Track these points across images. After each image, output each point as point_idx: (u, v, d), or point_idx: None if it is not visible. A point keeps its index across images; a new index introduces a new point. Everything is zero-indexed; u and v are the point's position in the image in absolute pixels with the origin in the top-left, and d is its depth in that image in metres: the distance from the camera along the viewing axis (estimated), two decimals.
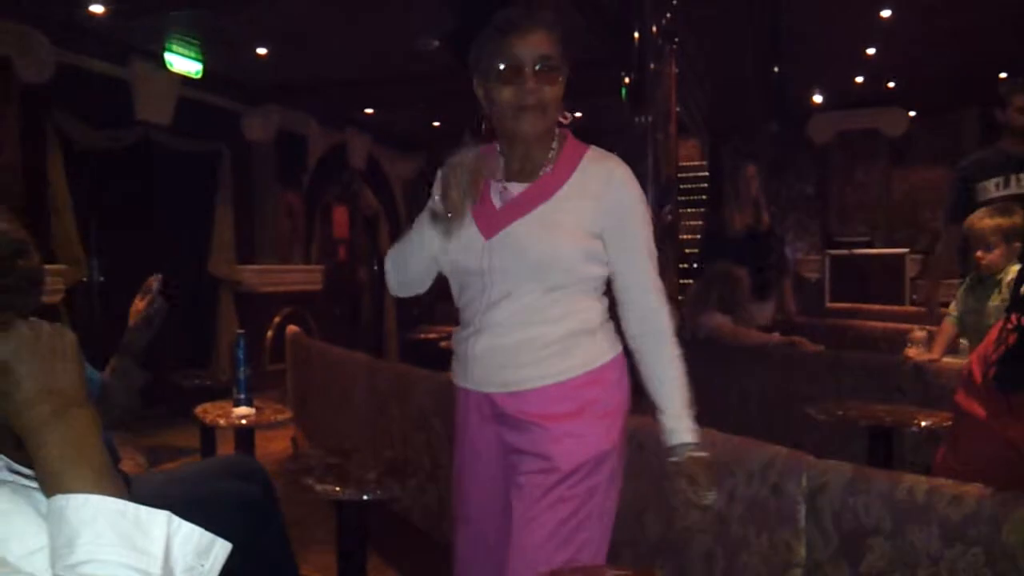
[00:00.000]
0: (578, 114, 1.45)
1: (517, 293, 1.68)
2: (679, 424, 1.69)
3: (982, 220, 3.29)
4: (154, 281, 2.22)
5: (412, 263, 1.80)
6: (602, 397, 1.71)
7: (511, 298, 1.68)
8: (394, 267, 1.85)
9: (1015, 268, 3.17)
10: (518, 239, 1.67)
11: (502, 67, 1.64)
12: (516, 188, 1.73)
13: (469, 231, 1.71)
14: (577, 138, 1.77)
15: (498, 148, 1.77)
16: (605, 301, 1.77)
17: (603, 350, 1.73)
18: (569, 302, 1.70)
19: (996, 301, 3.22)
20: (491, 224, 1.70)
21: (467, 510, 1.82)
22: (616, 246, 1.71)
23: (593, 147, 1.77)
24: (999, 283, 3.24)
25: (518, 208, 1.70)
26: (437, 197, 1.72)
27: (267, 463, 3.03)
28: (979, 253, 3.28)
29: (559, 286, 1.68)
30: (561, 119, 1.74)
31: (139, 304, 2.27)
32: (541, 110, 1.66)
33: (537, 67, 1.63)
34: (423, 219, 1.77)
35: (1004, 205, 3.39)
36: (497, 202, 1.72)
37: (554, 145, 1.74)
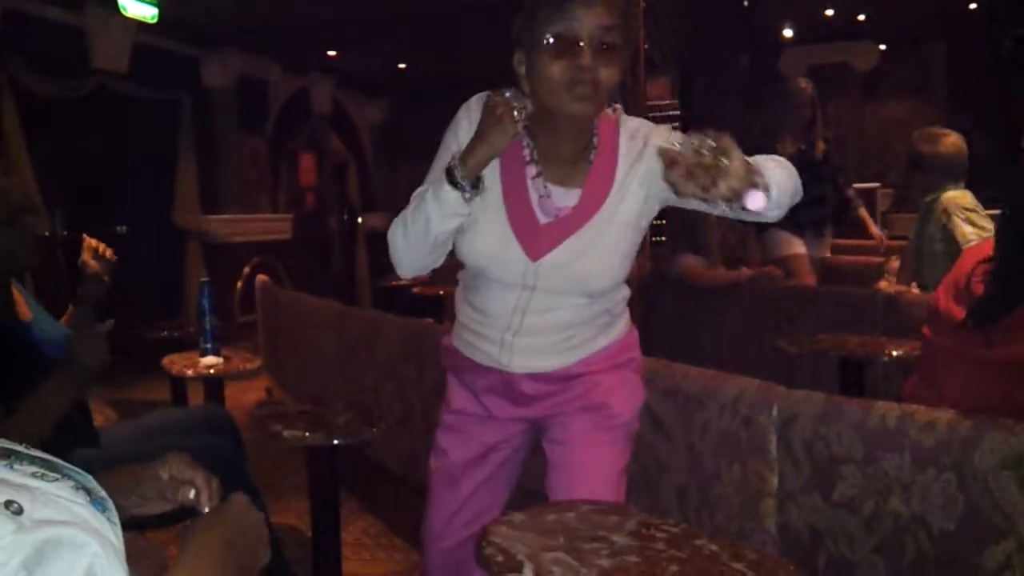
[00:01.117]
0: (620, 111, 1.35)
1: (561, 305, 1.60)
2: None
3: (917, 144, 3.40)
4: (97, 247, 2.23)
5: (426, 247, 1.55)
6: (635, 355, 1.74)
7: (554, 309, 1.60)
8: (405, 249, 1.57)
9: (950, 195, 3.20)
10: (569, 261, 1.54)
11: (555, 38, 1.42)
12: (559, 196, 1.56)
13: (509, 248, 1.54)
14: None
15: (525, 140, 1.57)
16: None
17: (627, 322, 1.74)
18: (613, 296, 1.66)
19: (933, 226, 3.29)
20: (537, 243, 1.54)
21: (445, 472, 1.78)
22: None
23: (621, 117, 1.60)
24: (932, 209, 3.32)
25: (567, 226, 1.54)
26: (457, 159, 1.47)
27: (241, 413, 3.00)
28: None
29: (605, 294, 1.63)
30: (609, 110, 1.57)
31: (90, 262, 2.28)
32: (594, 93, 1.44)
33: (597, 41, 1.42)
34: (439, 196, 1.49)
35: (930, 133, 3.49)
36: (540, 216, 1.55)
37: (595, 136, 1.57)
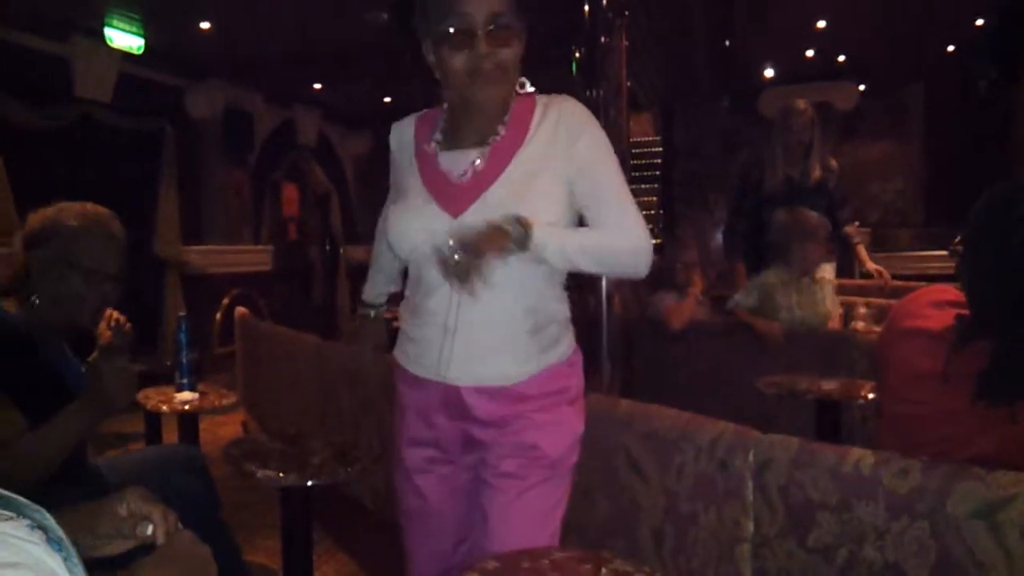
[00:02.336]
0: (530, 88, 1.38)
1: (494, 278, 1.50)
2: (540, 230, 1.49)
3: None
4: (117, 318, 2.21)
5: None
6: (573, 382, 1.66)
7: (489, 286, 1.51)
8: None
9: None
10: (493, 212, 1.49)
11: (451, 30, 1.48)
12: (471, 155, 1.57)
13: (427, 210, 1.56)
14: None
15: (441, 114, 1.65)
16: None
17: (570, 342, 1.66)
18: (551, 288, 1.60)
19: None
20: (455, 200, 1.54)
21: (424, 505, 1.70)
22: (589, 192, 1.57)
23: (539, 94, 1.62)
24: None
25: (482, 180, 1.55)
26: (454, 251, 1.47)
27: (216, 449, 2.96)
28: None
29: (538, 263, 1.54)
30: (518, 89, 1.60)
31: (105, 333, 2.27)
32: (500, 75, 1.51)
33: (490, 27, 1.48)
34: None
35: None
36: (454, 172, 1.57)
37: (508, 111, 1.59)
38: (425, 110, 1.72)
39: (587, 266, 1.58)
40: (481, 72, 1.50)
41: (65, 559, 0.72)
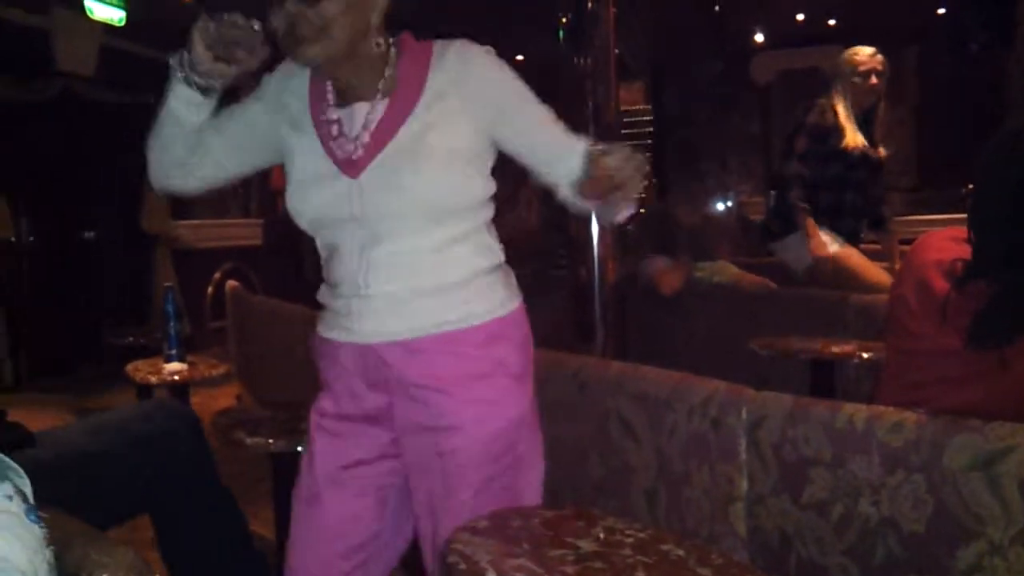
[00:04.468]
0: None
1: (402, 236, 1.45)
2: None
3: None
4: None
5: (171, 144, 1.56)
6: (512, 355, 1.52)
7: (396, 243, 1.45)
8: (157, 150, 1.60)
9: None
10: (394, 170, 1.42)
11: None
12: (364, 109, 1.47)
13: (323, 171, 1.47)
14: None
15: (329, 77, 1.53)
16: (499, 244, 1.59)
17: (506, 296, 1.55)
18: (463, 238, 1.50)
19: None
20: (354, 160, 1.45)
21: (313, 491, 1.58)
22: (511, 132, 1.50)
23: (436, 42, 1.50)
24: None
25: (381, 133, 1.45)
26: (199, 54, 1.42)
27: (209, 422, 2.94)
28: None
29: (450, 217, 1.47)
30: (381, 41, 1.48)
31: None
32: (320, 35, 1.38)
33: None
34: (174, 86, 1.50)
35: None
36: (350, 129, 1.47)
37: (390, 62, 1.48)
38: None
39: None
40: (294, 34, 1.39)
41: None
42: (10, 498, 0.73)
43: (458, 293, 1.49)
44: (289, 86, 1.58)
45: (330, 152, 1.48)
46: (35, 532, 0.72)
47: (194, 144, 1.57)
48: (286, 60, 1.54)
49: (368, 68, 1.48)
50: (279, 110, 1.58)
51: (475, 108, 1.47)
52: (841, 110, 3.86)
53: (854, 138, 3.82)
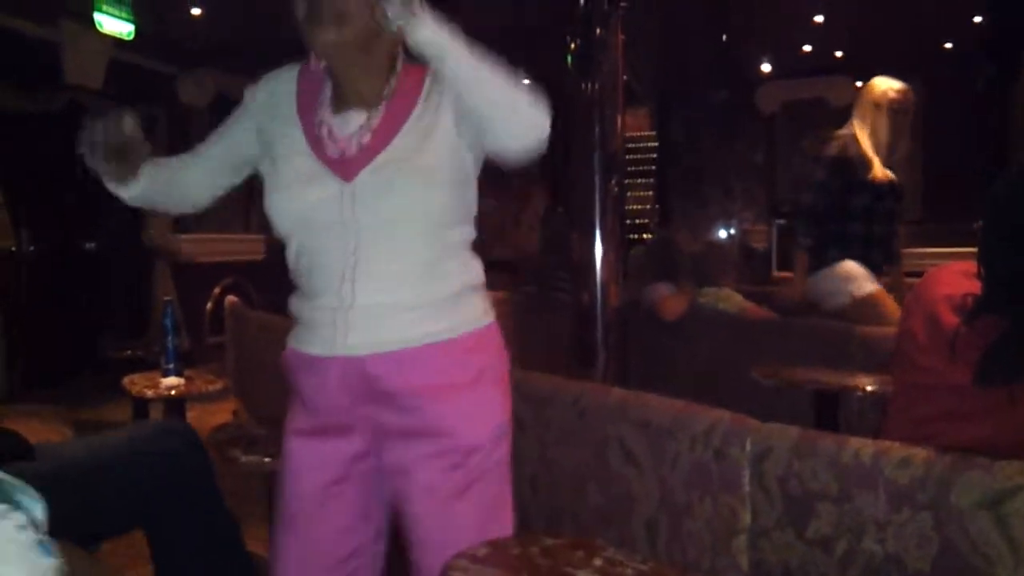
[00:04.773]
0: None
1: (393, 246, 1.44)
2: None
3: None
4: None
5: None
6: (494, 363, 1.55)
7: (386, 253, 1.44)
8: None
9: None
10: (389, 177, 1.42)
11: None
12: (361, 116, 1.48)
13: (312, 171, 1.46)
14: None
15: (325, 78, 1.54)
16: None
17: (485, 310, 1.56)
18: (452, 252, 1.51)
19: None
20: (348, 163, 1.44)
21: (296, 508, 1.56)
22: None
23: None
24: None
25: (377, 139, 1.45)
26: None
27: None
28: None
29: (440, 229, 1.47)
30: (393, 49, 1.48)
31: None
32: (337, 21, 1.38)
33: None
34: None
35: None
36: (344, 133, 1.47)
37: (395, 71, 1.49)
38: (305, 63, 1.58)
39: (482, 81, 1.35)
40: (315, 18, 1.38)
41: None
42: (23, 528, 0.71)
43: (445, 306, 1.49)
44: (278, 89, 1.60)
45: (320, 153, 1.48)
46: (45, 565, 0.70)
47: (166, 190, 1.68)
48: (270, 72, 1.61)
49: (376, 71, 1.49)
50: (268, 110, 1.60)
51: (458, 114, 1.45)
52: (864, 140, 3.79)
53: (881, 169, 3.75)
